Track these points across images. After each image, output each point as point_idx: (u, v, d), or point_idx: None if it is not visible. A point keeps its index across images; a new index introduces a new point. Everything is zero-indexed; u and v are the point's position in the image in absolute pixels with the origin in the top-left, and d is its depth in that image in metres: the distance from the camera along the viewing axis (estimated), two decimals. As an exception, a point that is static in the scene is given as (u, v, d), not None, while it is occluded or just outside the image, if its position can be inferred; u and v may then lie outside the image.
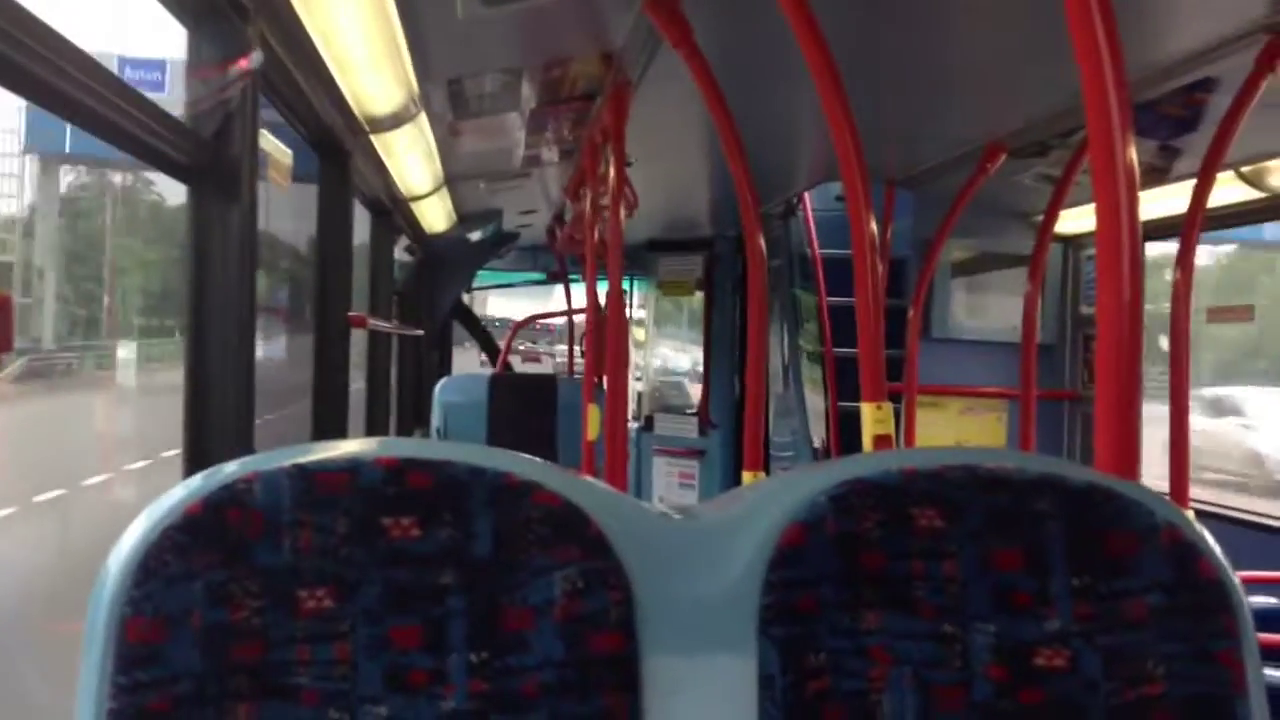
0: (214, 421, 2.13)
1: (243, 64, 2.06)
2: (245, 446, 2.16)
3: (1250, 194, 4.12)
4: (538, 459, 1.14)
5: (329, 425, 3.44)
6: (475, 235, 6.69)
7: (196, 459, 2.11)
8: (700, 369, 7.49)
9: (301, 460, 1.08)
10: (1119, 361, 1.38)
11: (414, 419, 6.96)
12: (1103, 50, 1.35)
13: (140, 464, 11.14)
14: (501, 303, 12.71)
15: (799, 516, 1.12)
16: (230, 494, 1.06)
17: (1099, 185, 1.37)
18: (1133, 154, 1.36)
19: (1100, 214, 1.38)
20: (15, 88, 1.47)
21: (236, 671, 1.03)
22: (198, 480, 1.08)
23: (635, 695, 1.09)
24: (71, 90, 1.55)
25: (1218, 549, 1.14)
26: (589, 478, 1.19)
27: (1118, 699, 1.10)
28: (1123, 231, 1.35)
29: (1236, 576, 1.14)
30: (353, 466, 1.08)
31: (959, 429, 5.36)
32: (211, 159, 2.07)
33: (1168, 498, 1.19)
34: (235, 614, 1.04)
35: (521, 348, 15.55)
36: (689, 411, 7.45)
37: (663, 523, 1.17)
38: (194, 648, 1.03)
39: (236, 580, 1.04)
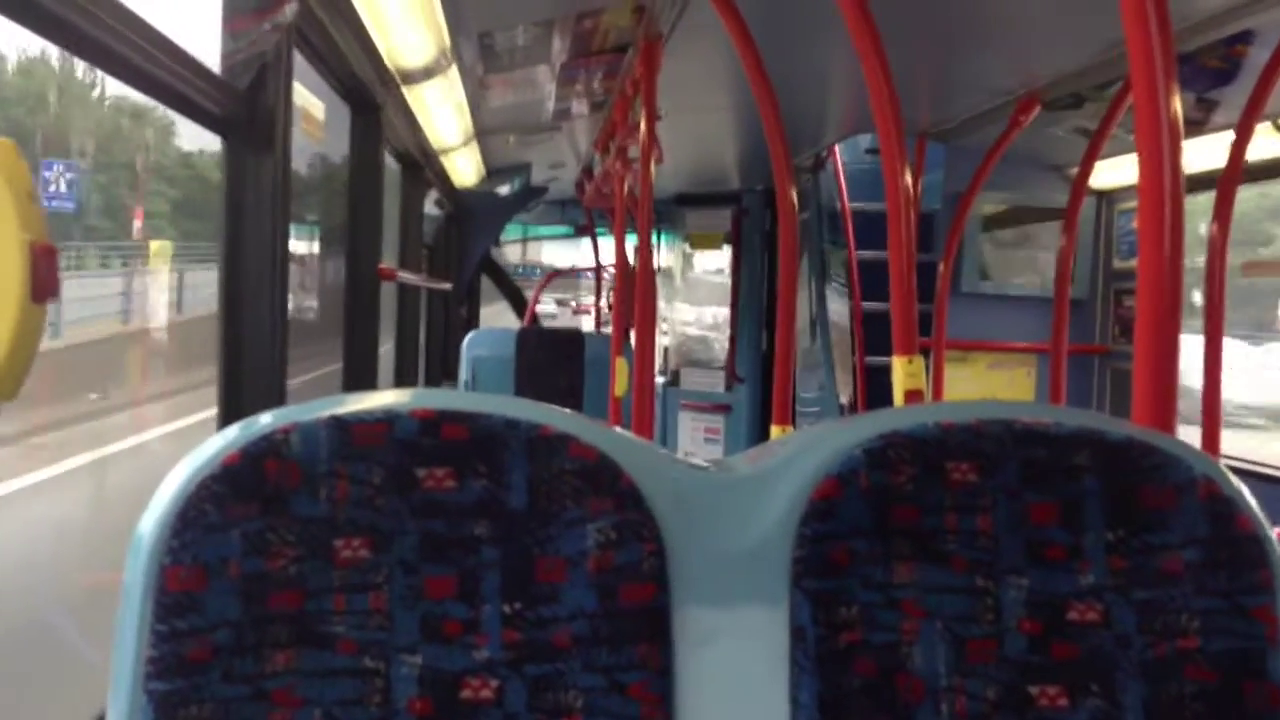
0: (248, 374, 2.15)
1: (277, 15, 2.05)
2: (278, 398, 2.18)
3: (1288, 147, 4.06)
4: (571, 411, 1.15)
5: (359, 377, 3.47)
6: (504, 189, 6.69)
7: (231, 411, 2.13)
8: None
9: (338, 411, 1.08)
10: (1159, 314, 1.37)
11: (442, 372, 6.99)
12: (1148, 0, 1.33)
13: None
14: (557, 250, 12.68)
15: (833, 470, 1.12)
16: (268, 444, 1.06)
17: (1141, 137, 1.35)
18: (1176, 105, 1.34)
19: (1143, 166, 1.36)
20: (47, 33, 1.47)
21: (274, 620, 1.04)
22: (235, 431, 1.08)
23: (667, 646, 1.09)
24: (105, 37, 1.54)
25: (1255, 504, 1.13)
26: (622, 430, 1.20)
27: (1151, 653, 1.10)
28: (1165, 183, 1.34)
29: (1274, 532, 1.14)
30: (389, 418, 1.08)
31: (987, 384, 5.33)
32: (246, 111, 2.07)
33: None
34: (272, 563, 1.05)
35: (572, 303, 15.26)
36: (715, 366, 7.45)
37: (696, 475, 1.18)
38: (232, 596, 1.04)
39: (274, 530, 1.05)
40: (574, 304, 14.65)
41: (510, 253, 9.86)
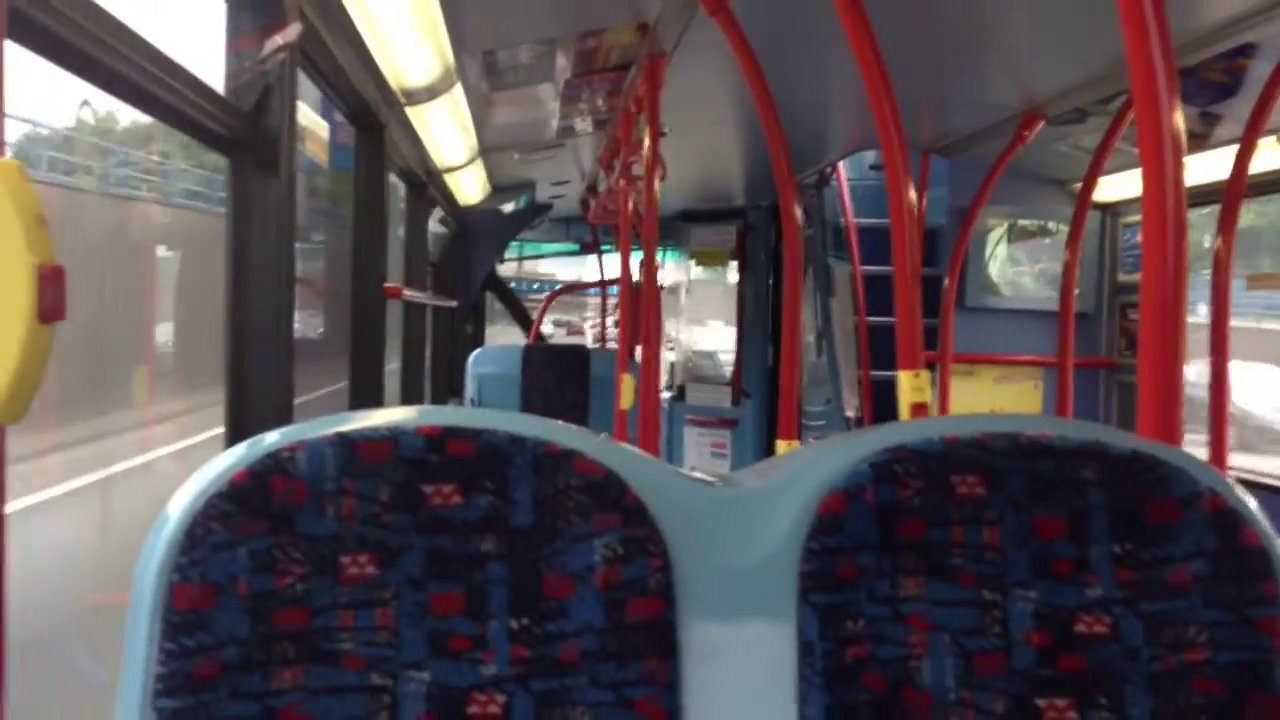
0: (254, 393, 2.15)
1: (281, 36, 2.06)
2: (285, 417, 2.18)
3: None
4: (577, 427, 1.15)
5: (365, 395, 3.47)
6: (508, 207, 6.71)
7: (238, 428, 2.13)
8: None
9: (344, 429, 1.09)
10: (1162, 327, 1.37)
11: (448, 390, 7.00)
12: (1149, 15, 1.34)
13: None
14: (555, 265, 12.80)
15: (839, 484, 1.12)
16: (275, 462, 1.07)
17: (1144, 151, 1.36)
18: (1179, 119, 1.35)
19: (1146, 180, 1.36)
20: (53, 56, 1.48)
21: (281, 637, 1.05)
22: (242, 449, 1.09)
23: (674, 661, 1.09)
24: (110, 60, 1.55)
25: (1261, 516, 1.13)
26: (628, 446, 1.20)
27: (1159, 665, 1.09)
28: (1168, 197, 1.34)
29: (1279, 543, 1.13)
30: (394, 435, 1.08)
31: (994, 397, 5.33)
32: (251, 131, 2.08)
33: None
34: (280, 581, 1.05)
35: (568, 321, 15.40)
36: (721, 381, 7.46)
37: (702, 490, 1.18)
38: (240, 614, 1.04)
39: (281, 547, 1.05)
40: (568, 325, 14.74)
41: (504, 267, 9.89)
